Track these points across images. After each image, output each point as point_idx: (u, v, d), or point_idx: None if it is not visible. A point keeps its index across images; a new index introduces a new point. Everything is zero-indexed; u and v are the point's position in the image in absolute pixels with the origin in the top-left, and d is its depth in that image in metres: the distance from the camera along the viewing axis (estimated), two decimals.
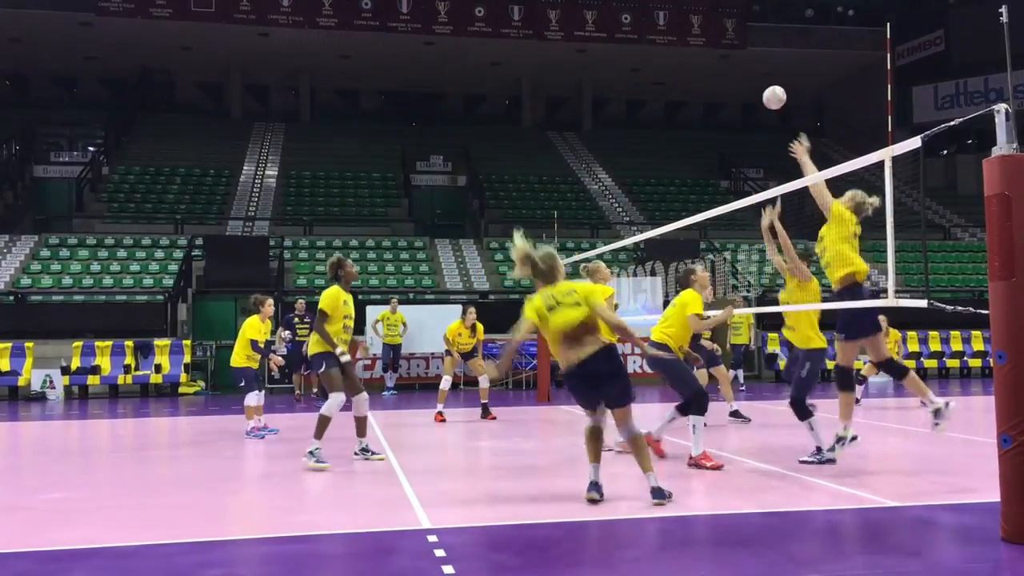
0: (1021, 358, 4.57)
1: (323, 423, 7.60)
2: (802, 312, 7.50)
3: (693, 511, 5.66)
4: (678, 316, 7.52)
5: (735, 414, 11.16)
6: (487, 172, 29.63)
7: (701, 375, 13.70)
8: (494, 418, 11.77)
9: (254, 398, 10.07)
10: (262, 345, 10.26)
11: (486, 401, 12.01)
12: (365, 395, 7.95)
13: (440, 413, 11.74)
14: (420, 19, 29.18)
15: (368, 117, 35.76)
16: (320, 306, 7.74)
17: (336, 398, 7.61)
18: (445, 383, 11.99)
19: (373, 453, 7.98)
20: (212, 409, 14.16)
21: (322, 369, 7.72)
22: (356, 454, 7.97)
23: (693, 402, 7.26)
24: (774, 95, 7.47)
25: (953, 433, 9.62)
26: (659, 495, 5.71)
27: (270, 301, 10.50)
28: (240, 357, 10.20)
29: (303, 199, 27.42)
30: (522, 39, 30.12)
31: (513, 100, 36.36)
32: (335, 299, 7.76)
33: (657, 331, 7.63)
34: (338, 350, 7.59)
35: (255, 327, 10.21)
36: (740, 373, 17.14)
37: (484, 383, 12.01)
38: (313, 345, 7.86)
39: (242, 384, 10.19)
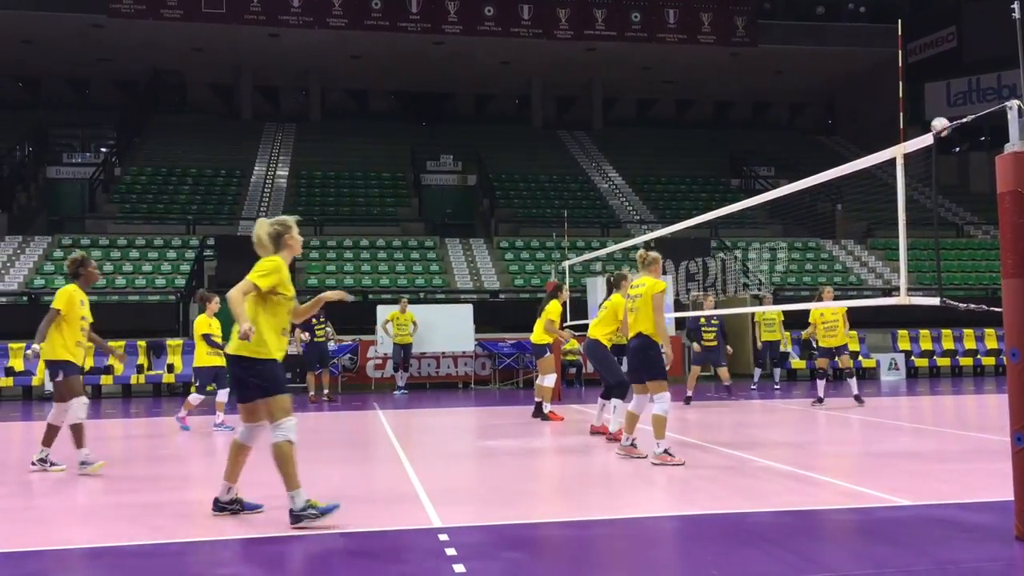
0: None
1: (77, 431, 7.38)
2: None
3: (705, 510, 5.64)
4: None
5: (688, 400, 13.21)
6: (497, 171, 29.63)
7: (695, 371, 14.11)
8: (561, 419, 11.29)
9: (197, 398, 10.59)
10: (217, 340, 10.38)
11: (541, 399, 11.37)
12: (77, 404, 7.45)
13: (553, 411, 11.40)
14: (430, 19, 29.20)
15: (378, 117, 35.82)
16: (54, 305, 7.26)
17: (80, 401, 7.44)
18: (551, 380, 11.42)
19: (52, 464, 7.55)
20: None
21: (59, 378, 7.36)
22: (34, 464, 7.58)
23: (615, 388, 8.76)
24: None
25: (967, 431, 9.57)
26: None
27: (217, 298, 10.54)
28: (200, 356, 10.39)
29: (314, 199, 27.48)
30: (532, 38, 30.12)
31: (523, 99, 36.36)
32: (71, 298, 7.29)
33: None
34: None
35: (203, 323, 10.37)
36: (776, 372, 16.97)
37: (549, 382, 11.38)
38: (51, 350, 7.37)
39: (196, 383, 10.43)
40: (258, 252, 5.42)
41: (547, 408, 11.29)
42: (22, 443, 10.62)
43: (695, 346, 14.38)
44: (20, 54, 29.86)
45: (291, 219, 5.51)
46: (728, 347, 14.71)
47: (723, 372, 14.64)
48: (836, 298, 13.83)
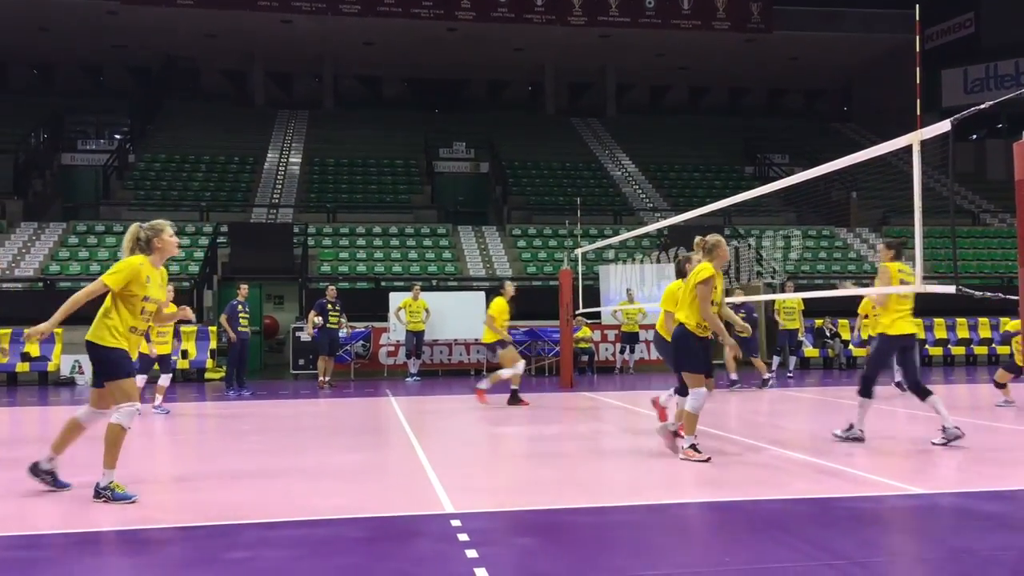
0: None
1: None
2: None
3: (718, 497, 5.64)
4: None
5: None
6: (510, 158, 29.58)
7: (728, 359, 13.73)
8: (527, 404, 11.61)
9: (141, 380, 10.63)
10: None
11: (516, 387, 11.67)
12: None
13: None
14: (443, 5, 29.11)
15: (391, 104, 35.79)
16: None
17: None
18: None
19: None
20: (237, 394, 14.27)
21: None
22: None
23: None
24: None
25: (981, 420, 9.52)
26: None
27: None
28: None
29: (326, 186, 27.52)
30: (545, 24, 29.98)
31: (536, 86, 36.24)
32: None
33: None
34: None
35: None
36: (792, 360, 16.83)
37: (506, 373, 11.69)
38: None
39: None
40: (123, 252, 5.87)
41: (486, 386, 11.62)
42: (34, 429, 10.72)
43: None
44: (36, 41, 29.98)
45: (164, 223, 5.91)
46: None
47: (756, 362, 14.34)
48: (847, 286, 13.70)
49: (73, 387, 16.52)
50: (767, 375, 14.07)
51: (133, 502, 5.47)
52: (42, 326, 5.44)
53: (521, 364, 11.76)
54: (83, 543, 4.61)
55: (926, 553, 4.26)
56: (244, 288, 14.65)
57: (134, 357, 5.75)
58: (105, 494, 5.50)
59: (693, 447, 6.92)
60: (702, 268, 6.91)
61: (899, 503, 5.36)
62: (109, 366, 5.63)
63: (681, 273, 7.78)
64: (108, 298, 5.68)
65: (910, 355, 7.89)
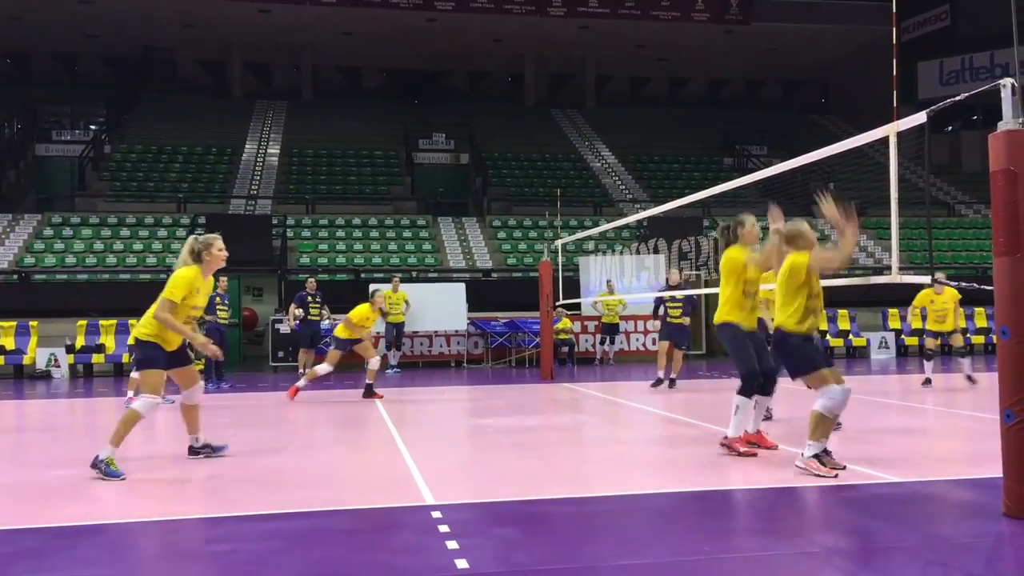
0: None
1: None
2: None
3: (698, 487, 5.68)
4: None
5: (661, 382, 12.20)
6: (490, 150, 29.54)
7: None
8: (381, 397, 11.65)
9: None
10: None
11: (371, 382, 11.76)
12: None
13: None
14: None
15: (370, 95, 35.62)
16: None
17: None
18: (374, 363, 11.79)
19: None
20: (215, 387, 14.18)
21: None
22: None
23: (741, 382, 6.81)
24: None
25: (956, 409, 9.64)
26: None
27: None
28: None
29: (305, 177, 27.38)
30: (525, 15, 29.93)
31: (516, 77, 36.18)
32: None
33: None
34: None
35: None
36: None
37: (374, 365, 11.74)
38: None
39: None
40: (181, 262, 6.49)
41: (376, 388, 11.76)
42: (10, 421, 10.62)
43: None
44: (8, 30, 29.55)
45: (214, 237, 6.56)
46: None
47: (676, 357, 12.50)
48: (829, 277, 13.69)
49: (49, 380, 16.37)
50: (660, 374, 12.38)
51: (122, 479, 5.92)
52: (200, 341, 6.42)
53: (378, 359, 11.90)
54: (61, 536, 4.57)
55: (903, 540, 4.32)
56: (223, 280, 14.56)
57: (173, 350, 6.44)
58: (100, 467, 6.03)
59: (819, 458, 5.79)
60: (798, 262, 6.08)
61: (876, 491, 5.42)
62: (142, 357, 6.41)
63: (732, 241, 6.96)
64: (159, 301, 6.29)
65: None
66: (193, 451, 6.91)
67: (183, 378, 6.62)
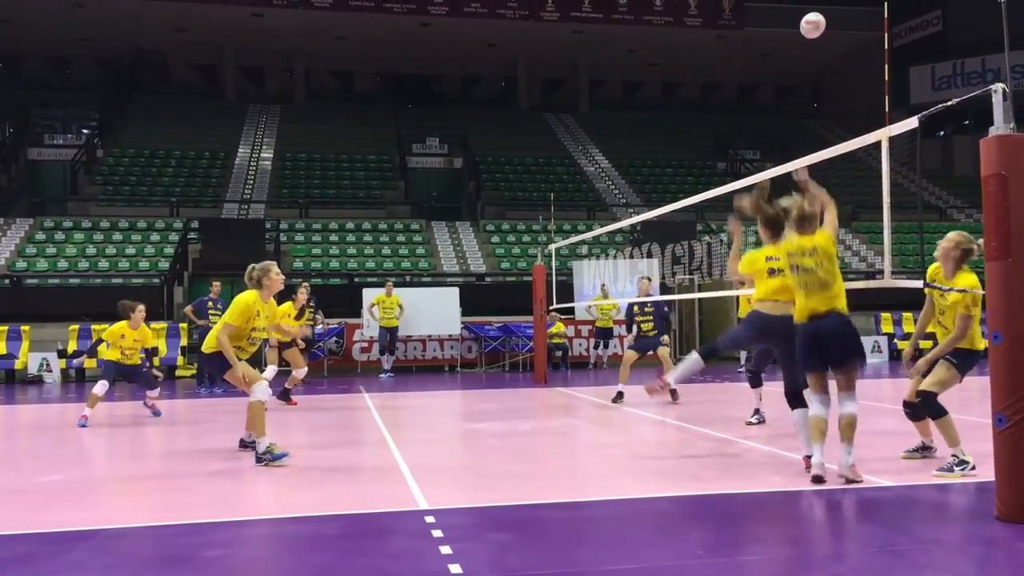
0: (1017, 338, 4.59)
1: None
2: None
3: (691, 491, 5.68)
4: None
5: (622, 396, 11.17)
6: (483, 154, 29.55)
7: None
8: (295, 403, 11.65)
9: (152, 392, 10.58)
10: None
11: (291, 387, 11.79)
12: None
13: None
14: (416, 0, 29.00)
15: (364, 99, 35.59)
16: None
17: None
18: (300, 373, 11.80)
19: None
20: (209, 391, 14.16)
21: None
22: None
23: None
24: (813, 25, 6.71)
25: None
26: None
27: (141, 307, 10.53)
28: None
29: (298, 181, 27.33)
30: (518, 20, 29.95)
31: (509, 81, 36.21)
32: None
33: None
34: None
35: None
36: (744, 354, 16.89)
37: (300, 373, 11.73)
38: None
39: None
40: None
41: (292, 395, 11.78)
42: (1, 426, 10.58)
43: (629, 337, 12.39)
44: (0, 33, 29.46)
45: (271, 264, 7.13)
46: (665, 336, 11.94)
47: (662, 351, 11.71)
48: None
49: (41, 385, 16.31)
50: (621, 387, 11.39)
51: (288, 457, 6.65)
52: (239, 371, 6.83)
53: (304, 369, 11.95)
54: (55, 542, 4.55)
55: (895, 544, 4.32)
56: (216, 285, 14.56)
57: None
58: (266, 458, 6.60)
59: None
60: (831, 238, 5.70)
61: (868, 495, 5.43)
62: (219, 365, 6.95)
63: (778, 225, 5.99)
64: (220, 324, 6.92)
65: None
66: (245, 446, 7.37)
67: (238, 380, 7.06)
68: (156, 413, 10.50)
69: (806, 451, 5.93)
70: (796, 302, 5.73)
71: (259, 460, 6.65)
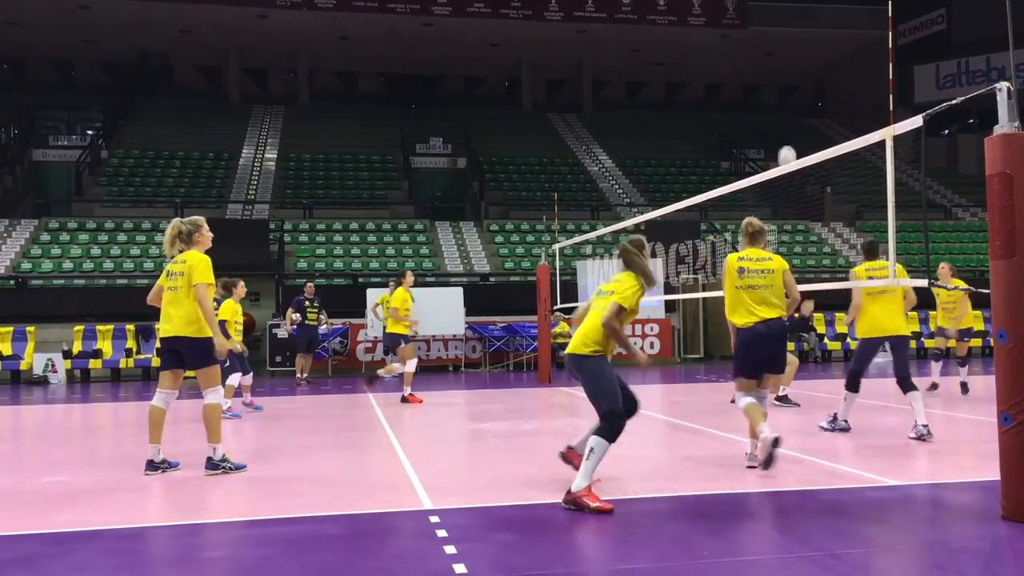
0: (1022, 337, 4.57)
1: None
2: None
3: (695, 491, 5.67)
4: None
5: (783, 399, 10.42)
6: (487, 154, 29.55)
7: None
8: (420, 401, 11.72)
9: (246, 378, 10.56)
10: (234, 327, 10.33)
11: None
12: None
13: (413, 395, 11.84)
14: (419, 0, 29.01)
15: (367, 99, 35.62)
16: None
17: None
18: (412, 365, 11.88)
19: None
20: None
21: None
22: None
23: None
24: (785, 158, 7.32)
25: (954, 412, 9.64)
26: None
27: (242, 283, 10.52)
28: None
29: (302, 182, 27.37)
30: (521, 20, 29.96)
31: (513, 82, 36.22)
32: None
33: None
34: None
35: (229, 309, 10.23)
36: None
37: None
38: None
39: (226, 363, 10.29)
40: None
41: (406, 392, 11.75)
42: (7, 427, 10.60)
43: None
44: (5, 35, 29.53)
45: (200, 219, 7.25)
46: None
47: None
48: (823, 280, 13.49)
49: (46, 385, 16.34)
50: None
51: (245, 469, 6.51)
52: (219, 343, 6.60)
53: (415, 361, 12.09)
54: (59, 543, 4.56)
55: (900, 543, 4.32)
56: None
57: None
58: (223, 465, 6.43)
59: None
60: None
61: (873, 494, 5.43)
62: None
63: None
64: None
65: (898, 350, 7.81)
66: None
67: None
68: (257, 408, 10.62)
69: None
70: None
71: (215, 467, 6.40)
